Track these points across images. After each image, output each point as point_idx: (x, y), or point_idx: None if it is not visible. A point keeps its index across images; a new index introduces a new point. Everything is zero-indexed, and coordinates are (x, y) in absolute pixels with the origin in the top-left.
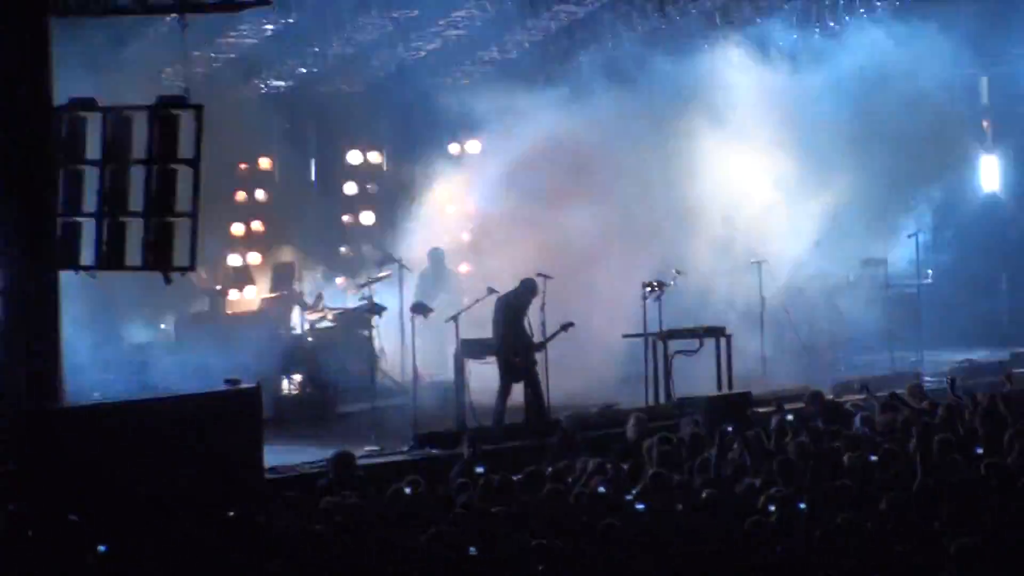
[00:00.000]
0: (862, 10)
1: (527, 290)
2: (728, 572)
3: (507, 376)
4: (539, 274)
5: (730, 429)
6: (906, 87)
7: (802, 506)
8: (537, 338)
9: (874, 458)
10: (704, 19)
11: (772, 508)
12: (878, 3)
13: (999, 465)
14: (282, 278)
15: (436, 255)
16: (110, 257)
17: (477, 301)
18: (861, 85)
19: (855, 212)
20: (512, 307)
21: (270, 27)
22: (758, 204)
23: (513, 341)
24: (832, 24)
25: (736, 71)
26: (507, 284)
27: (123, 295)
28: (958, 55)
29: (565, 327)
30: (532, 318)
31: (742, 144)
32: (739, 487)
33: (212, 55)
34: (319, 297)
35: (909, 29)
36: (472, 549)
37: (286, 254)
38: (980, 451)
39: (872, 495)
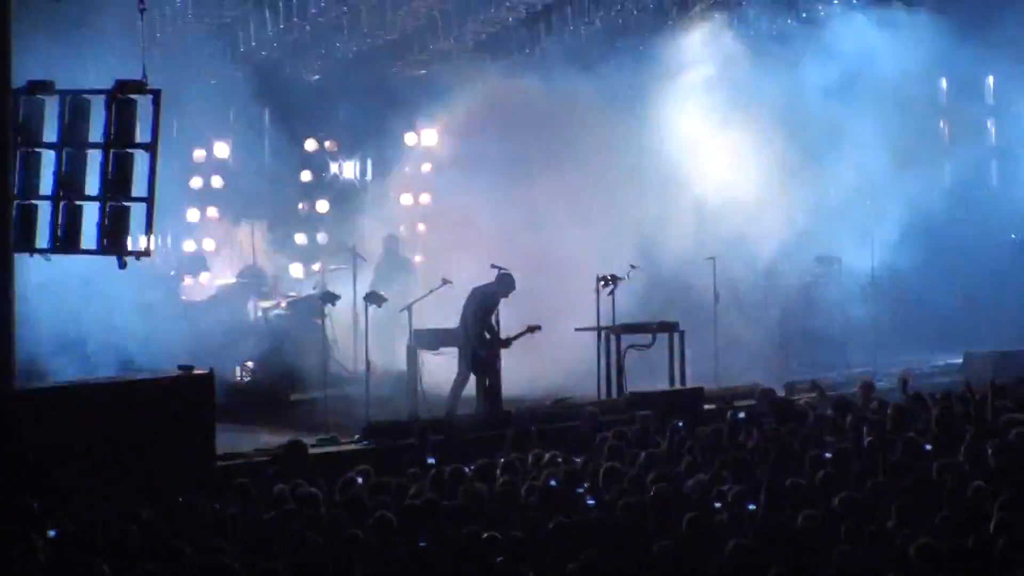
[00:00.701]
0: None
1: (504, 285)
2: (679, 567)
3: (469, 368)
4: (493, 265)
5: (681, 424)
6: (885, 80)
7: (752, 507)
8: (503, 334)
9: (827, 456)
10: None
11: (719, 505)
12: None
13: (951, 466)
14: (247, 269)
15: (390, 242)
16: (66, 241)
17: (431, 291)
18: (840, 76)
19: (822, 209)
20: (485, 300)
21: (229, 13)
22: (727, 197)
23: (482, 334)
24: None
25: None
26: (461, 275)
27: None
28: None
29: (532, 329)
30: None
31: (713, 134)
32: (690, 483)
33: (170, 40)
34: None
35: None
36: (422, 542)
37: (243, 240)
38: (929, 450)
39: (825, 494)
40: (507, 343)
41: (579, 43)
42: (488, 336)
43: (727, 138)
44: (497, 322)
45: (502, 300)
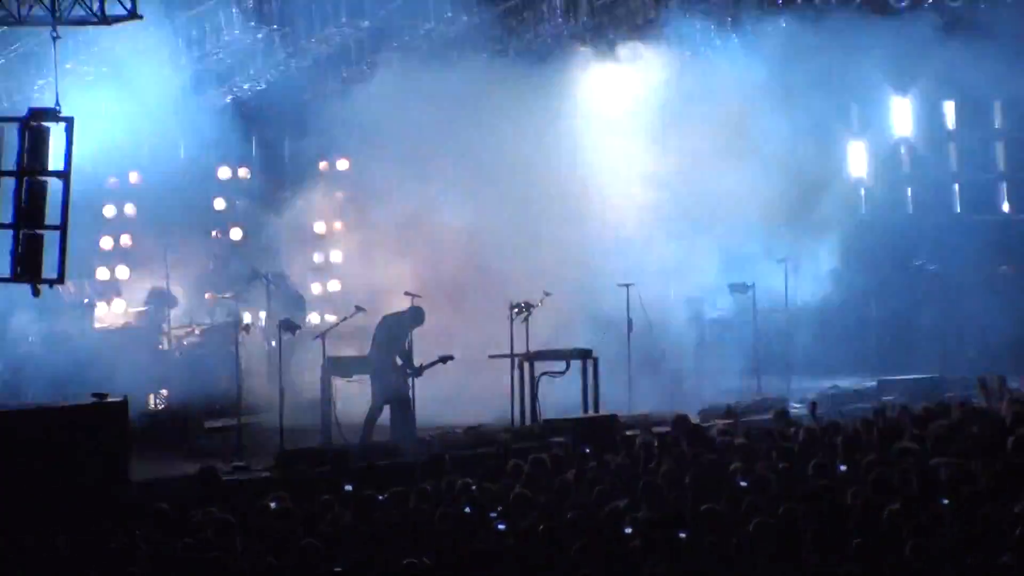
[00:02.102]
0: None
1: (413, 317)
2: None
3: (382, 395)
4: (407, 293)
5: (591, 451)
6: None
7: (682, 535)
8: (416, 361)
9: (743, 484)
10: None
11: (629, 531)
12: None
13: (862, 491)
14: (156, 294)
15: (279, 278)
16: None
17: (345, 319)
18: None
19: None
20: (394, 328)
21: (146, 40)
22: (636, 221)
23: (393, 361)
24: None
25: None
26: (375, 302)
27: None
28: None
29: (444, 359)
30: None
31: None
32: (603, 510)
33: (84, 67)
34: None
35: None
36: (337, 568)
37: (154, 268)
38: (839, 474)
39: (739, 519)
40: (419, 371)
41: (494, 68)
42: (400, 362)
43: (646, 162)
44: (410, 348)
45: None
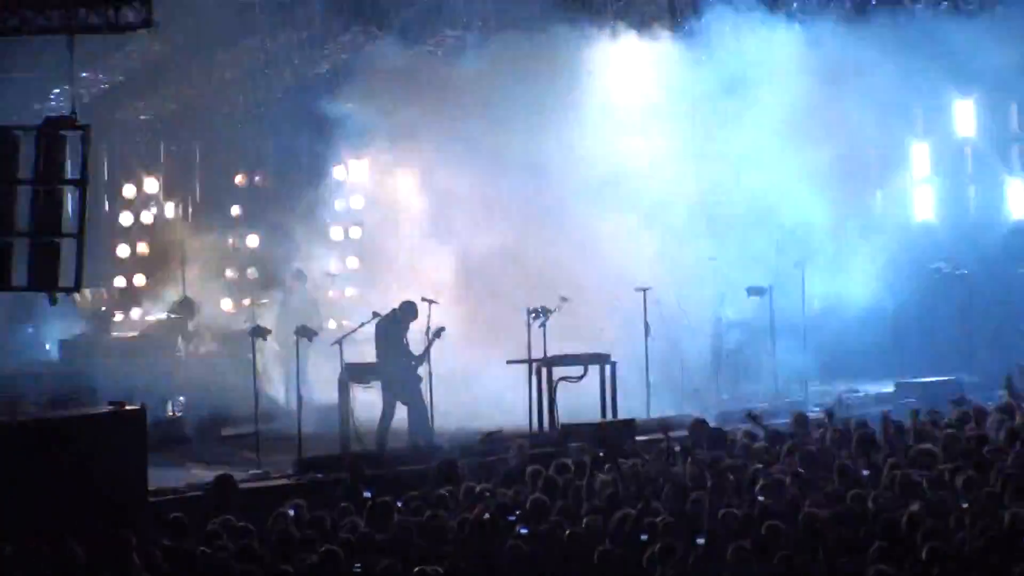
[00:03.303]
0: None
1: (405, 313)
2: None
3: (390, 398)
4: (424, 299)
5: (611, 456)
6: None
7: (700, 541)
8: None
9: (761, 488)
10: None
11: (646, 536)
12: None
13: (882, 495)
14: (180, 304)
15: (298, 278)
16: None
17: (362, 324)
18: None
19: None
20: (388, 329)
21: (158, 48)
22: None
23: (391, 362)
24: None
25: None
26: (391, 308)
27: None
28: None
29: (437, 333)
30: (416, 341)
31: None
32: (619, 514)
33: (100, 76)
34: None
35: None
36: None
37: (173, 276)
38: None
39: (757, 524)
40: (420, 359)
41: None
42: (396, 363)
43: (666, 165)
44: (407, 342)
45: (420, 330)
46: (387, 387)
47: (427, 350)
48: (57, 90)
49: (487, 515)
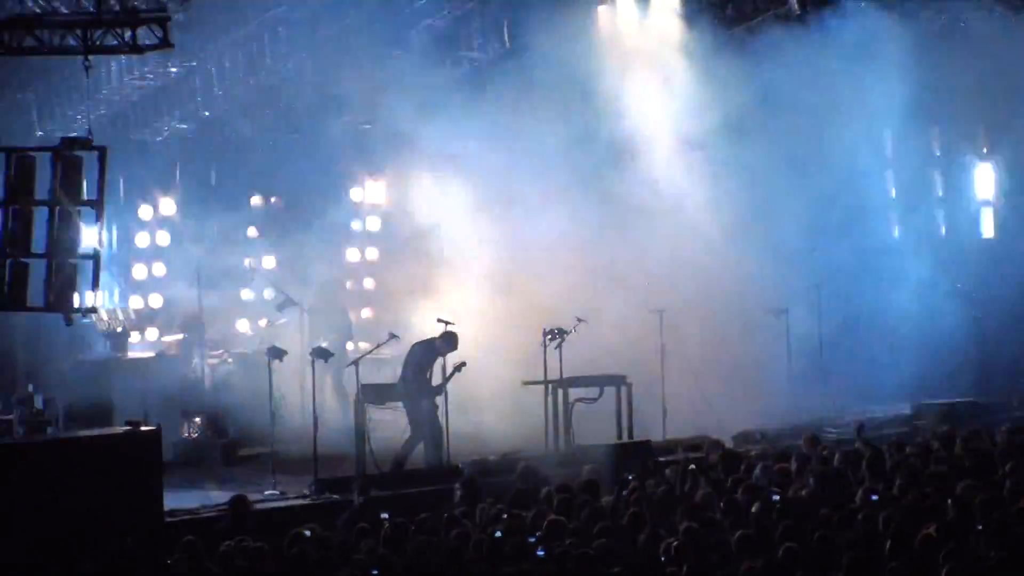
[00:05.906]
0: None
1: (444, 343)
2: None
3: (417, 427)
4: (439, 319)
5: (630, 477)
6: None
7: (717, 560)
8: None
9: (777, 508)
10: None
11: (664, 558)
12: None
13: (895, 515)
14: (189, 323)
15: (328, 287)
16: (12, 297)
17: (379, 346)
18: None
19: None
20: (426, 355)
21: (174, 70)
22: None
23: (422, 389)
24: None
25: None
26: (408, 329)
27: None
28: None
29: (458, 367)
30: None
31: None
32: (640, 535)
33: (116, 97)
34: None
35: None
36: None
37: (188, 297)
38: (876, 499)
39: (773, 544)
40: (440, 388)
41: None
42: (422, 389)
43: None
44: (430, 373)
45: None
46: (412, 413)
47: (446, 381)
48: (73, 111)
49: (501, 535)
